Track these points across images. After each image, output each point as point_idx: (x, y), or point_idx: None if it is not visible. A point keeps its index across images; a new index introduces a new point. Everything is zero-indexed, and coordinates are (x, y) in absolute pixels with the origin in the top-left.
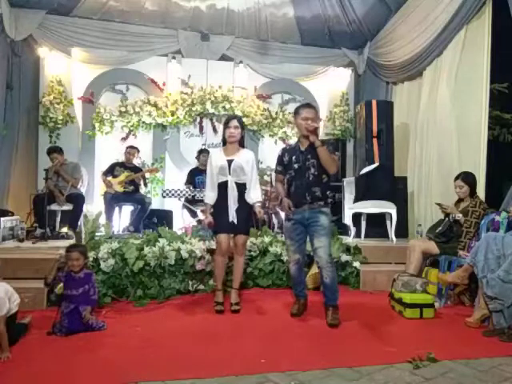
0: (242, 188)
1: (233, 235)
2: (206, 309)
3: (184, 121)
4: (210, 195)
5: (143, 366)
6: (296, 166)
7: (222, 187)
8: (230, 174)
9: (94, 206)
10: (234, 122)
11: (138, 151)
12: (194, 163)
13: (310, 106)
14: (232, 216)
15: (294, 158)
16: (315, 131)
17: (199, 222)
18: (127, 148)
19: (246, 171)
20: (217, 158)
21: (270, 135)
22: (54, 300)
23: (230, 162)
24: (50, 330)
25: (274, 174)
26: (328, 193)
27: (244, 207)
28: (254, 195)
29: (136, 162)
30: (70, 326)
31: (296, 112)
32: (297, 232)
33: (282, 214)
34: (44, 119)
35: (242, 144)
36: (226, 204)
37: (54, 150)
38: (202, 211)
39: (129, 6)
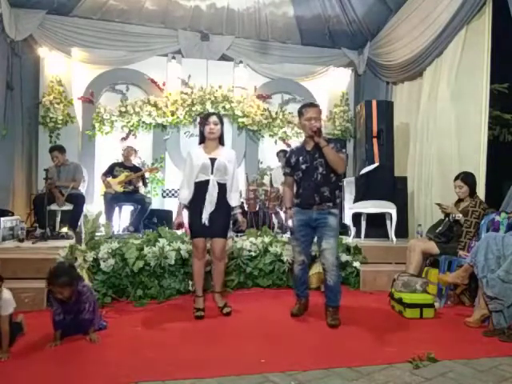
0: (222, 188)
1: (209, 238)
2: (206, 309)
3: (184, 121)
4: (185, 194)
5: (143, 366)
6: (304, 166)
7: (202, 186)
8: (212, 173)
9: (94, 206)
10: (214, 118)
11: (135, 151)
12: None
13: (313, 105)
14: (205, 218)
15: (301, 158)
16: (319, 131)
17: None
18: (126, 147)
19: (229, 171)
20: (198, 155)
21: (270, 135)
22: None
23: (212, 160)
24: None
25: (273, 174)
26: (337, 192)
27: (223, 209)
28: (234, 199)
29: (136, 162)
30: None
31: (299, 112)
32: (302, 233)
33: (282, 214)
34: (44, 119)
35: (221, 141)
36: (201, 204)
37: (56, 149)
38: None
39: (129, 6)
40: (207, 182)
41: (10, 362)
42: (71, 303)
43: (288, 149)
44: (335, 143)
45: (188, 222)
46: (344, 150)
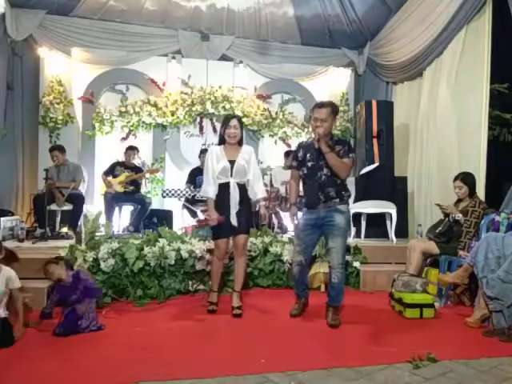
0: (242, 189)
1: (232, 236)
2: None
3: (184, 121)
4: (210, 189)
5: (143, 365)
6: (309, 164)
7: (223, 188)
8: (232, 175)
9: (94, 206)
10: (234, 122)
11: (138, 151)
12: (193, 163)
13: (323, 105)
14: (233, 219)
15: (308, 155)
16: (323, 135)
17: (199, 222)
18: (127, 149)
19: (247, 171)
20: (218, 156)
21: (270, 135)
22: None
23: (232, 162)
24: (55, 331)
25: (273, 174)
26: (344, 192)
27: (245, 207)
28: (258, 190)
29: (136, 162)
30: (66, 330)
31: (311, 110)
32: (306, 233)
33: (282, 214)
34: (44, 119)
35: (241, 143)
36: (226, 206)
37: (56, 148)
38: (202, 211)
39: (129, 6)
40: (228, 184)
41: (10, 361)
42: (68, 285)
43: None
44: (344, 146)
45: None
46: (351, 155)
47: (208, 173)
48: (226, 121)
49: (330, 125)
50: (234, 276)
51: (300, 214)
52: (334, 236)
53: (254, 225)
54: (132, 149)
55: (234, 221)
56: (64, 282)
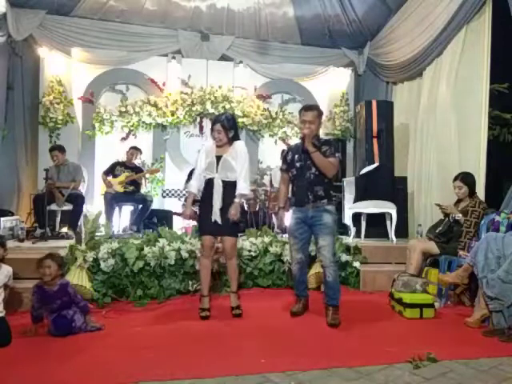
0: (229, 186)
1: (220, 237)
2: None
3: (184, 121)
4: (193, 184)
5: (143, 366)
6: (298, 164)
7: (209, 185)
8: (217, 171)
9: (94, 206)
10: (217, 127)
11: (141, 152)
12: (193, 163)
13: (310, 108)
14: (215, 216)
15: (296, 156)
16: (310, 136)
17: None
18: (130, 149)
19: (235, 168)
20: (208, 152)
21: (270, 135)
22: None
23: (218, 158)
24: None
25: (273, 174)
26: (331, 191)
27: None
28: (239, 186)
29: (136, 162)
30: (57, 333)
31: (299, 112)
32: (300, 231)
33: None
34: (44, 119)
35: (235, 139)
36: (210, 201)
37: (56, 148)
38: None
39: (129, 6)
40: (213, 179)
41: (9, 361)
42: (52, 292)
43: None
44: (330, 146)
45: (198, 219)
46: (338, 155)
47: (197, 167)
48: (212, 122)
49: (316, 126)
50: None
51: (288, 214)
52: (323, 234)
53: (249, 224)
54: (136, 149)
55: (216, 217)
56: (48, 286)
